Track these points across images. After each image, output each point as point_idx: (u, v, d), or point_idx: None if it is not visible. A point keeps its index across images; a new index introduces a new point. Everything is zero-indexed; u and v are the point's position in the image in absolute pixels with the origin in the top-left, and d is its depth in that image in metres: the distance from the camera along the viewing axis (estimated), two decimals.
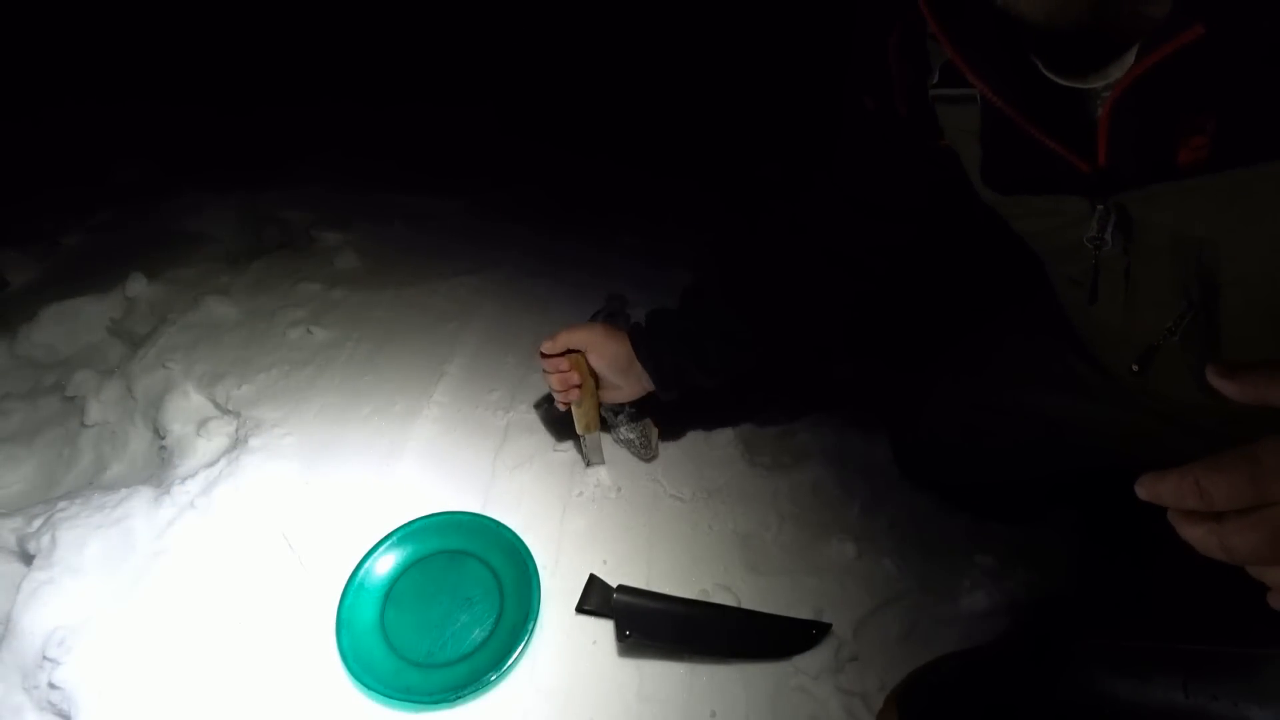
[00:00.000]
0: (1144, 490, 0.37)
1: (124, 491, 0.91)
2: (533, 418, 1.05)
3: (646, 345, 0.88)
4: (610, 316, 1.23)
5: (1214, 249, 0.49)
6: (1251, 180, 0.43)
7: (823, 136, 0.79)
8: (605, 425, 1.01)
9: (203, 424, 1.04)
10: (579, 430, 0.93)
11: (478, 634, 0.78)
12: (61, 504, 0.88)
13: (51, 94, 2.39)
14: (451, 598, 0.82)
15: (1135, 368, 0.61)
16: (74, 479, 1.07)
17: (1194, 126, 0.44)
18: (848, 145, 0.77)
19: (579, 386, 0.88)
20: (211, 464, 0.97)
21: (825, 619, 0.79)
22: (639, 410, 1.00)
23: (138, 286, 1.33)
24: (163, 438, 1.05)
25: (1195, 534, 0.36)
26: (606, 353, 0.88)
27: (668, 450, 0.99)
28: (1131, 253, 0.54)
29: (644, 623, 0.76)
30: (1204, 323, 0.54)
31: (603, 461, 0.97)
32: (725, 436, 1.01)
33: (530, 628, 0.77)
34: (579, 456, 0.98)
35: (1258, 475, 0.32)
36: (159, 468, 1.02)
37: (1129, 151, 0.48)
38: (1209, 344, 0.55)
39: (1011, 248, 0.67)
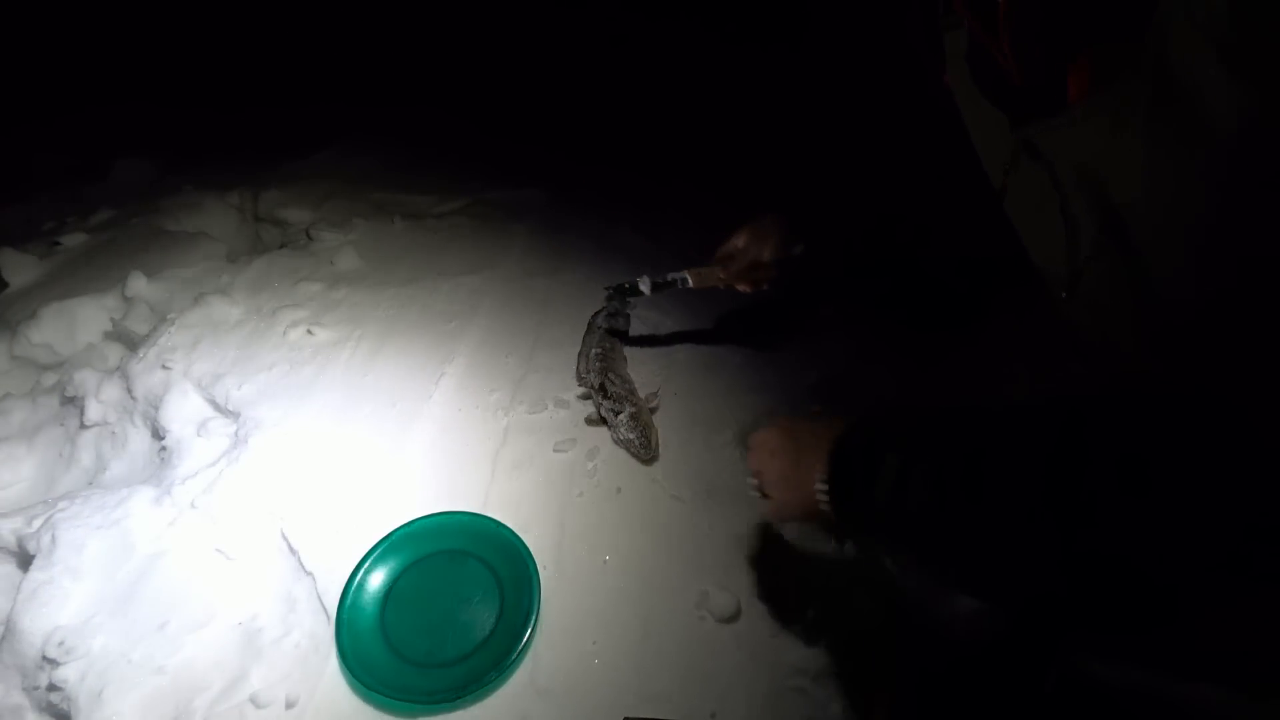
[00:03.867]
0: None
1: (124, 491, 0.91)
2: (533, 418, 1.05)
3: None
4: (610, 316, 1.23)
5: (1105, 182, 0.50)
6: (1119, 107, 0.45)
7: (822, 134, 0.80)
8: (605, 425, 1.01)
9: (203, 424, 1.04)
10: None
11: (478, 634, 0.78)
12: (61, 504, 0.88)
13: (52, 95, 2.39)
14: (451, 598, 0.81)
15: (1063, 294, 0.62)
16: (74, 479, 1.07)
17: (1080, 44, 0.46)
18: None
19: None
20: (211, 464, 0.97)
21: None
22: (639, 410, 1.00)
23: (138, 286, 1.33)
24: (163, 438, 1.05)
25: None
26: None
27: (668, 450, 0.99)
28: (1043, 182, 0.57)
29: None
30: (1118, 252, 0.53)
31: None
32: (725, 436, 1.01)
33: (530, 628, 0.77)
34: (579, 456, 0.98)
35: None
36: (159, 468, 1.02)
37: (1037, 68, 0.51)
38: (1135, 272, 0.53)
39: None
